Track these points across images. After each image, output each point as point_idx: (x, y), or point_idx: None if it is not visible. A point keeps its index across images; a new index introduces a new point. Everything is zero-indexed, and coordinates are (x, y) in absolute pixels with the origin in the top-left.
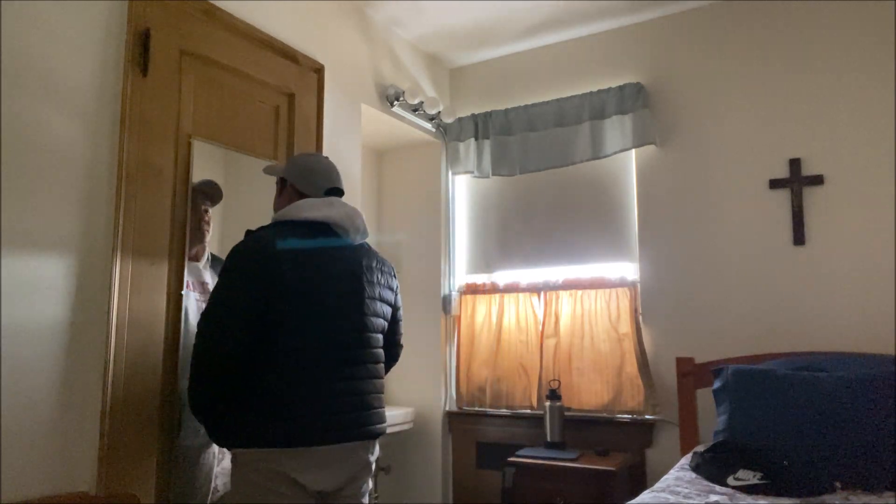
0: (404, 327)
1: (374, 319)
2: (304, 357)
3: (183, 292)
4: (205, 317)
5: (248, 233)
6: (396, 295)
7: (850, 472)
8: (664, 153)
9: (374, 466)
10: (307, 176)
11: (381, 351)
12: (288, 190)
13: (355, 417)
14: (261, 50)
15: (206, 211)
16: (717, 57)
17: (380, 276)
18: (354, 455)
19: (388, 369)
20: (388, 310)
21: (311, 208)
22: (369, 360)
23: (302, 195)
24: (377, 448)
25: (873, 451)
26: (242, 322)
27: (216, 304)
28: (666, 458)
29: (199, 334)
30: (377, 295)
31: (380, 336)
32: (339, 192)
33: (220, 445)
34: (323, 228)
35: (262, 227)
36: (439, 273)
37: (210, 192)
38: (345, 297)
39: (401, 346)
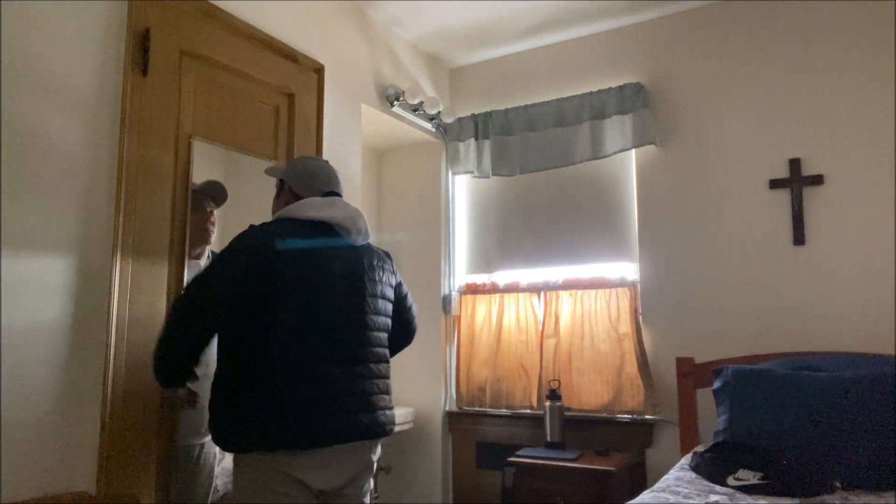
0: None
1: (375, 318)
2: (306, 357)
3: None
4: (185, 295)
5: (252, 227)
6: (399, 286)
7: (850, 472)
8: (664, 153)
9: (375, 466)
10: (306, 179)
11: (385, 350)
12: (286, 192)
13: (359, 417)
14: (261, 50)
15: (211, 212)
16: (717, 57)
17: (381, 273)
18: (357, 455)
19: (400, 349)
20: (389, 306)
21: (315, 207)
22: (372, 358)
23: (299, 198)
24: (379, 448)
25: (873, 451)
26: (221, 306)
27: (199, 285)
28: (666, 458)
29: (175, 312)
30: (378, 292)
31: (383, 335)
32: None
33: (224, 449)
34: (325, 228)
35: (265, 223)
36: (439, 273)
37: (215, 193)
38: (346, 296)
39: (413, 326)
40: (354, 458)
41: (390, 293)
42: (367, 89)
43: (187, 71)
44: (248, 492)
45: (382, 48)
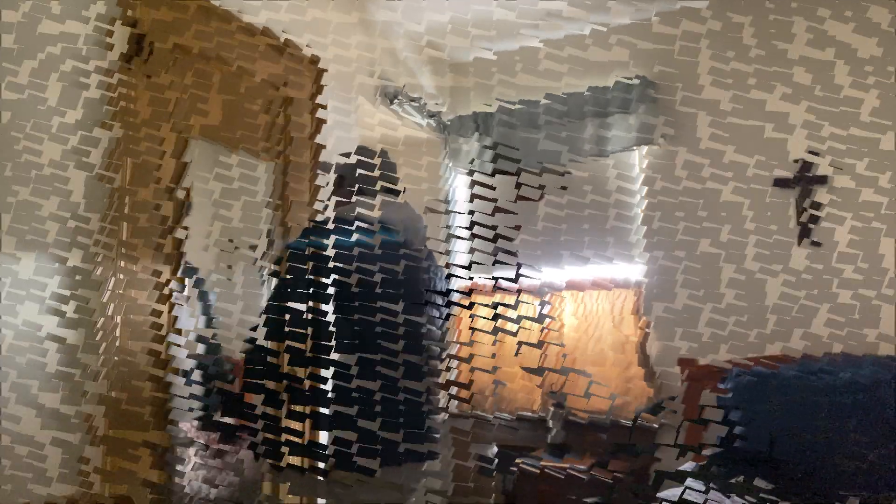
0: None
1: (428, 325)
2: (363, 362)
3: (182, 293)
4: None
5: (306, 232)
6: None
7: (856, 476)
8: (668, 152)
9: None
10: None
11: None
12: (343, 190)
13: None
14: (260, 48)
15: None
16: (723, 55)
17: (434, 279)
18: None
19: None
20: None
21: (371, 208)
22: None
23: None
24: None
25: (879, 454)
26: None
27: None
28: (670, 461)
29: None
30: (430, 298)
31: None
32: (394, 193)
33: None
34: (382, 229)
35: (316, 226)
36: None
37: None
38: (404, 298)
39: None
40: None
41: (438, 300)
42: (366, 87)
43: (185, 69)
44: None
45: (382, 45)
